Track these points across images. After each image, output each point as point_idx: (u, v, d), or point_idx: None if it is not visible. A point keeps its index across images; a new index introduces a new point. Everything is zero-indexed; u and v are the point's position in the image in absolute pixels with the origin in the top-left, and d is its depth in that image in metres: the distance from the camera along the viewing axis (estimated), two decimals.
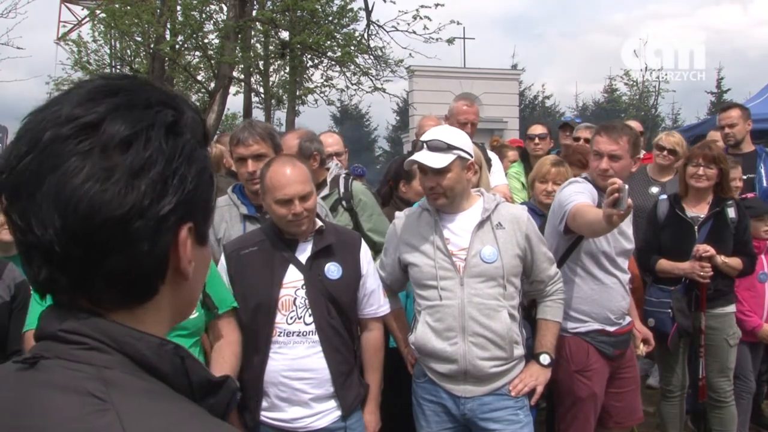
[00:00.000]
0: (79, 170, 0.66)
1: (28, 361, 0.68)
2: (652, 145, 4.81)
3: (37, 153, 0.67)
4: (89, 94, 0.70)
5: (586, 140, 4.60)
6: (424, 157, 2.53)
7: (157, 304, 0.74)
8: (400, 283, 2.81)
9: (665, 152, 4.53)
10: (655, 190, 4.46)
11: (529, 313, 2.86)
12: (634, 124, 4.49)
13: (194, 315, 2.21)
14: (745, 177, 4.42)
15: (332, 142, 4.13)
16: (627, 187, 2.31)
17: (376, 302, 2.63)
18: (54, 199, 0.66)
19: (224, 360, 2.36)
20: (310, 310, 2.44)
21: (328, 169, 3.48)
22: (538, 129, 5.14)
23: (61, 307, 0.72)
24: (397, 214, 2.79)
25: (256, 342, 2.45)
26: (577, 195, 2.78)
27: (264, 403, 2.45)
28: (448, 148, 2.52)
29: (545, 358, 2.67)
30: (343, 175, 3.49)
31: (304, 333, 2.43)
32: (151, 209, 0.68)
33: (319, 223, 2.54)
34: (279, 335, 2.43)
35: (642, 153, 3.60)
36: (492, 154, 4.38)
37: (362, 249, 2.62)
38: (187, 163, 0.72)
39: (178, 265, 0.73)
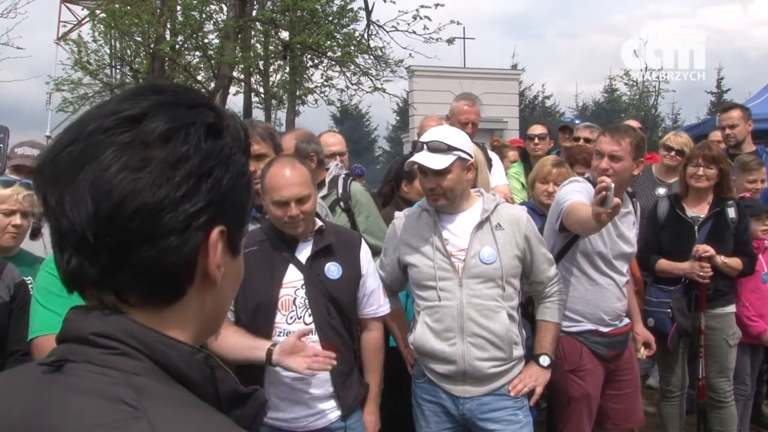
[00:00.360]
0: (117, 159, 0.67)
1: (54, 363, 0.68)
2: (658, 145, 4.80)
3: (80, 142, 0.69)
4: (137, 91, 0.73)
5: (586, 140, 4.60)
6: (424, 158, 2.53)
7: (183, 308, 0.73)
8: (400, 283, 2.81)
9: (673, 153, 4.49)
10: (662, 191, 4.41)
11: (526, 310, 2.86)
12: (634, 124, 4.47)
13: None
14: None
15: (334, 141, 4.11)
16: (614, 185, 2.32)
17: (376, 302, 2.62)
18: (90, 185, 0.67)
19: (236, 336, 2.38)
20: (310, 310, 2.43)
21: (327, 170, 3.47)
22: (537, 129, 5.14)
23: (87, 309, 0.72)
24: (397, 214, 2.79)
25: None
26: (574, 194, 2.79)
27: None
28: (449, 149, 2.52)
29: (545, 360, 2.67)
30: (343, 176, 3.48)
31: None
32: (183, 203, 0.69)
33: (319, 223, 2.54)
34: (279, 335, 2.42)
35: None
36: (492, 154, 4.37)
37: (362, 249, 2.61)
38: (224, 165, 0.73)
39: (207, 269, 0.72)
